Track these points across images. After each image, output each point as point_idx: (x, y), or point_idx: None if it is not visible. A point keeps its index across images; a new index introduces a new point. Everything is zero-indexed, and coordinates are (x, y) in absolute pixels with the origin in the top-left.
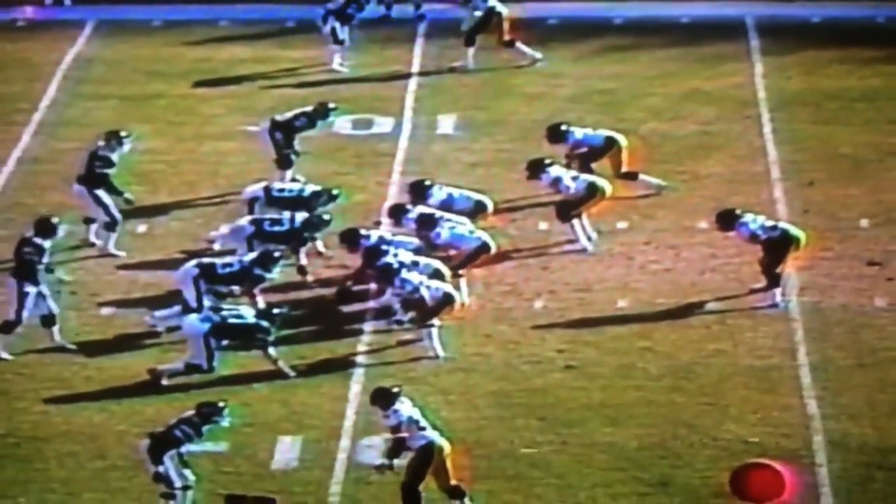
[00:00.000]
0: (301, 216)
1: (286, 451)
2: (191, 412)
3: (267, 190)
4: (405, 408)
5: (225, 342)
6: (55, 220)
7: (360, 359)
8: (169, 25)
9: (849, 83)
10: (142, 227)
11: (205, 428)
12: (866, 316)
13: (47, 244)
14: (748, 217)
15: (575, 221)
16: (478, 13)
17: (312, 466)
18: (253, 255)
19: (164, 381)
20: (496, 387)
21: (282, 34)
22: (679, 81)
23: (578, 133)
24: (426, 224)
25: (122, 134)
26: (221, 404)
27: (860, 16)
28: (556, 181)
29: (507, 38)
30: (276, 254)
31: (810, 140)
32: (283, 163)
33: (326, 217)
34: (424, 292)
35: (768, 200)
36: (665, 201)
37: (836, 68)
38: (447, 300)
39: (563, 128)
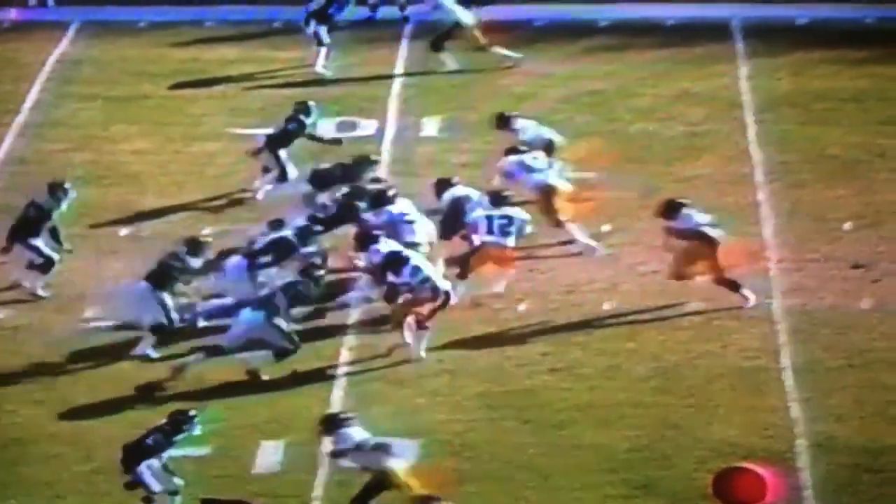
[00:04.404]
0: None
1: (269, 454)
2: (163, 421)
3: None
4: (355, 432)
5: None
6: (208, 239)
7: (343, 361)
8: (155, 26)
9: (836, 84)
10: (127, 230)
11: (176, 437)
12: (852, 318)
13: (195, 263)
14: (690, 211)
15: (569, 226)
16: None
17: (295, 470)
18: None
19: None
20: (483, 388)
21: (268, 35)
22: (667, 83)
23: (525, 129)
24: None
25: (66, 185)
26: (192, 413)
27: (847, 17)
28: (510, 175)
29: (483, 43)
30: (316, 261)
31: (798, 141)
32: (282, 177)
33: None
34: (434, 284)
35: (755, 202)
36: (652, 203)
37: (824, 69)
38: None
39: (511, 118)
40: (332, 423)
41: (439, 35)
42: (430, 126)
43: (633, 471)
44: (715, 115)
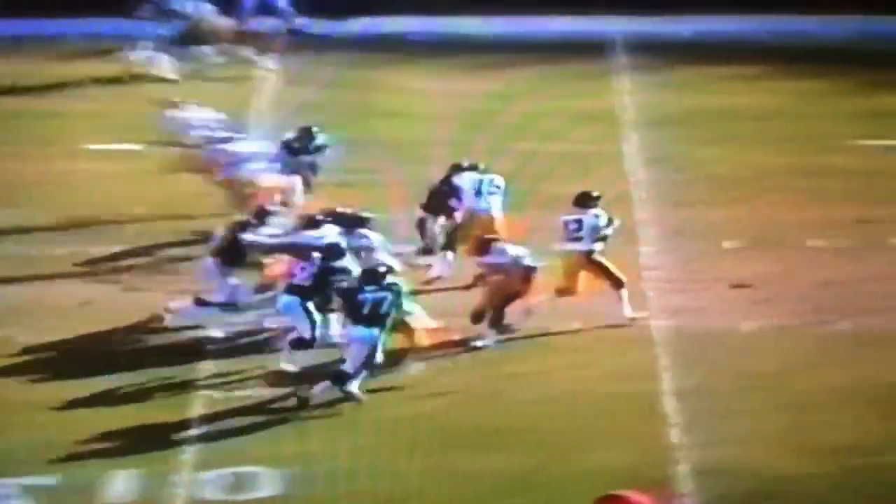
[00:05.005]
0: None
1: (121, 484)
2: None
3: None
4: None
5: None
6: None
7: (204, 382)
8: (29, 41)
9: (723, 101)
10: (11, 249)
11: None
12: (735, 340)
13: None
14: (503, 245)
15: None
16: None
17: (149, 501)
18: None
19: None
20: (364, 415)
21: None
22: (546, 100)
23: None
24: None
25: None
26: None
27: (735, 31)
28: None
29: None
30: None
31: (680, 160)
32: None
33: None
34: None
35: (635, 222)
36: (531, 224)
37: (710, 86)
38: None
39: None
40: None
41: (187, 35)
42: None
43: (516, 497)
44: (596, 133)
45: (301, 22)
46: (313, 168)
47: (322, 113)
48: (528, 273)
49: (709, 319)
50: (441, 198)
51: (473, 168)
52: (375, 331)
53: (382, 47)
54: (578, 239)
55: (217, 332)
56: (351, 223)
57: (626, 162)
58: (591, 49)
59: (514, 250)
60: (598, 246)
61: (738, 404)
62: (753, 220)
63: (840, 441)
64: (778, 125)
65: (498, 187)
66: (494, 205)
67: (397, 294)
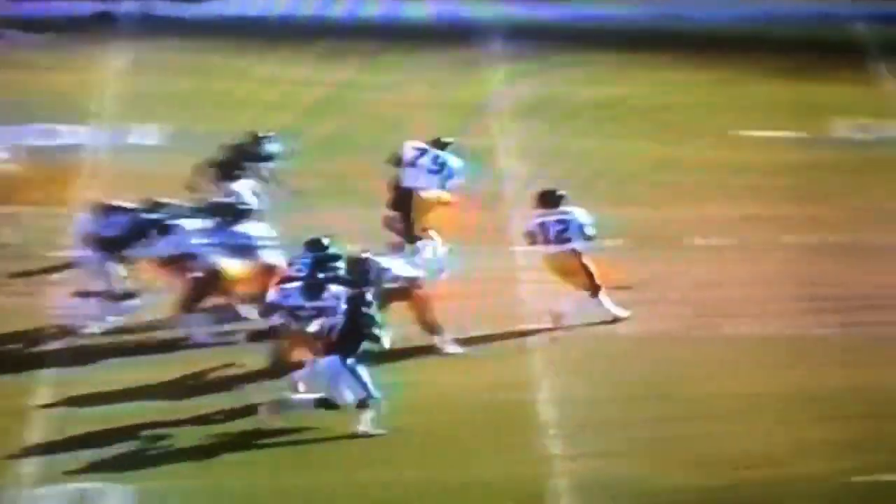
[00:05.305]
0: None
1: None
2: None
3: None
4: None
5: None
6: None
7: (42, 395)
8: None
9: (601, 92)
10: None
11: None
12: (615, 345)
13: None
14: (381, 259)
15: None
16: None
17: None
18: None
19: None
20: (231, 428)
21: None
22: (409, 89)
23: None
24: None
25: None
26: None
27: (615, 16)
28: None
29: None
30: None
31: (557, 153)
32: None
33: None
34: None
35: (508, 223)
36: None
37: (588, 75)
38: None
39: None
40: None
41: None
42: (145, 134)
43: None
44: (464, 126)
45: (154, 5)
46: (262, 174)
47: (170, 102)
48: (406, 290)
49: (586, 325)
50: (400, 190)
51: (438, 145)
52: (336, 359)
53: (237, 31)
54: (567, 240)
55: (59, 343)
56: (228, 216)
57: (499, 156)
58: (460, 34)
59: (391, 264)
60: (584, 245)
61: (620, 413)
62: (634, 217)
63: (729, 452)
64: (663, 116)
65: (437, 163)
66: (431, 184)
67: (357, 316)
